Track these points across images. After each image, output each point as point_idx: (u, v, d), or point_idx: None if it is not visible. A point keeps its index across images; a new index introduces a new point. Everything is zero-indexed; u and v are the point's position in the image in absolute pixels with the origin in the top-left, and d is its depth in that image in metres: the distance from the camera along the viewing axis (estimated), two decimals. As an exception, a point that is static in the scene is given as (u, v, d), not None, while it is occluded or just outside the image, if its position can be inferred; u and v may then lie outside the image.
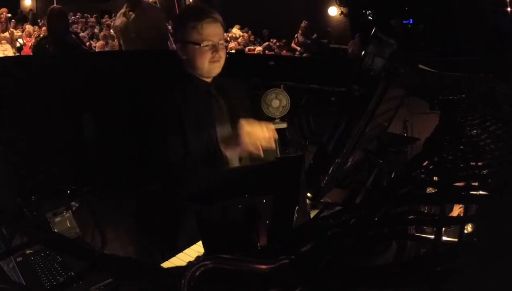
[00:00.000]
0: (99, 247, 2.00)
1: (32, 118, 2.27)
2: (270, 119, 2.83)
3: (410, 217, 0.44)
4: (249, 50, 9.00)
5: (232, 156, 1.72)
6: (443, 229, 0.51)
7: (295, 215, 1.02)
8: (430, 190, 0.56)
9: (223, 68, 1.75)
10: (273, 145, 1.63)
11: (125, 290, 0.40)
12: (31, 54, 4.87)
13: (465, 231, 0.44)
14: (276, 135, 1.64)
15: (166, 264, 1.33)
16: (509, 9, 8.06)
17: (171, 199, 1.71)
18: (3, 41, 6.92)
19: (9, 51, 6.68)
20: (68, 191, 2.05)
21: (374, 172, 1.59)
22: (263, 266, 0.33)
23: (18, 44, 7.93)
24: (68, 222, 1.88)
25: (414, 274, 0.30)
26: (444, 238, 0.85)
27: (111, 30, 7.60)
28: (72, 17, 9.77)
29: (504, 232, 0.28)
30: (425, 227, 1.05)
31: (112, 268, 0.37)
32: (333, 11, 10.30)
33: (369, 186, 1.54)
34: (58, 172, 2.16)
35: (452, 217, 0.99)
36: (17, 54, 7.16)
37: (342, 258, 0.36)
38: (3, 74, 2.51)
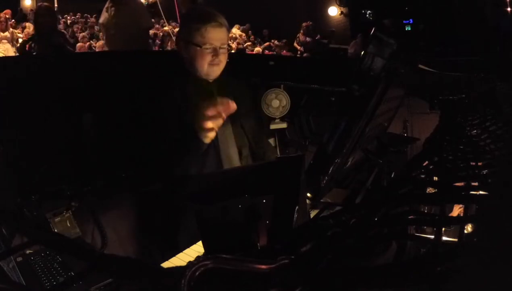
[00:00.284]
0: (99, 247, 2.00)
1: (32, 118, 2.27)
2: (270, 119, 2.84)
3: (410, 217, 0.44)
4: (246, 46, 8.97)
5: (232, 154, 1.73)
6: (443, 229, 0.51)
7: (295, 215, 1.02)
8: (430, 190, 0.56)
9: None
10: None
11: (125, 290, 0.40)
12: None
13: (465, 231, 0.44)
14: (231, 109, 1.51)
15: (166, 264, 1.33)
16: (509, 9, 8.06)
17: (171, 199, 1.71)
18: (3, 41, 6.91)
19: (10, 51, 6.66)
20: (68, 191, 2.05)
21: (374, 172, 1.59)
22: (263, 266, 0.33)
23: (18, 44, 7.91)
24: (68, 222, 1.88)
25: (414, 274, 0.30)
26: (444, 238, 0.85)
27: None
28: (72, 17, 9.78)
29: (504, 232, 0.28)
30: (425, 227, 1.05)
31: (112, 268, 0.37)
32: (333, 11, 10.31)
33: (369, 186, 1.54)
34: (58, 172, 2.15)
35: (452, 217, 0.99)
36: (17, 54, 7.14)
37: (342, 258, 0.36)
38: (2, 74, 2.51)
